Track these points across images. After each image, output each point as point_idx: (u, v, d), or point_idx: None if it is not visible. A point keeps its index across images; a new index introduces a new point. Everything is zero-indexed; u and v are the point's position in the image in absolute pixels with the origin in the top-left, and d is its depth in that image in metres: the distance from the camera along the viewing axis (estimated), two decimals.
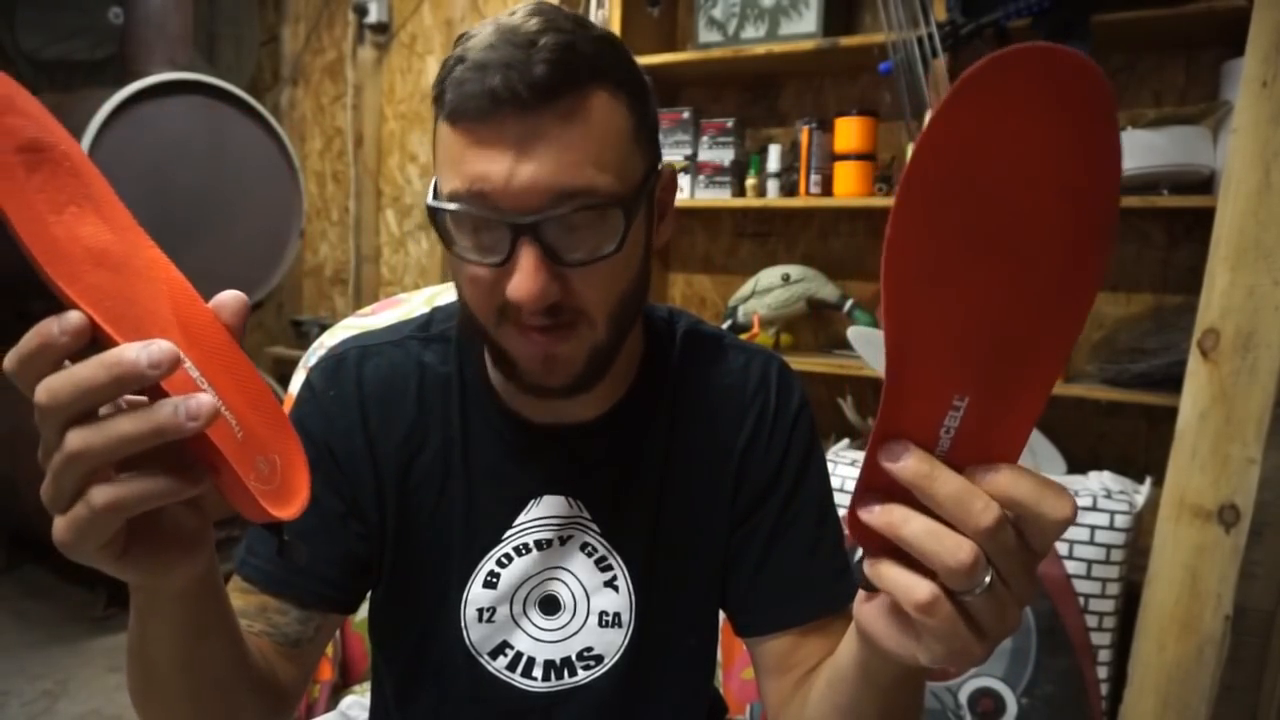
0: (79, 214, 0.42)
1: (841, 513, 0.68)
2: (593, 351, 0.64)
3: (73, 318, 0.39)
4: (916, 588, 0.41)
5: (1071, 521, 0.41)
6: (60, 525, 0.40)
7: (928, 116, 0.31)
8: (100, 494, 0.39)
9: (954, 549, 0.40)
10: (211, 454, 0.41)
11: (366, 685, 1.12)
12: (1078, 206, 0.36)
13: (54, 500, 0.40)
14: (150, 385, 0.39)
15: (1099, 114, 0.34)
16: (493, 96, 0.57)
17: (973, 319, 0.39)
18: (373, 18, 3.22)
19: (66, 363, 0.40)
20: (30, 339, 0.39)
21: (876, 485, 0.42)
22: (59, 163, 0.43)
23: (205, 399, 0.39)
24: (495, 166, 0.58)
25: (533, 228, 0.58)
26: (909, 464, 0.40)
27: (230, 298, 0.45)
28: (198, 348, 0.43)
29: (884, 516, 0.42)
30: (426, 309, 0.84)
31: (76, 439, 0.39)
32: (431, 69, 3.20)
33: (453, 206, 0.60)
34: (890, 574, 0.43)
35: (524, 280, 0.58)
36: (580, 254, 0.60)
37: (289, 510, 0.44)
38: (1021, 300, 0.38)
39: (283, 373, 3.02)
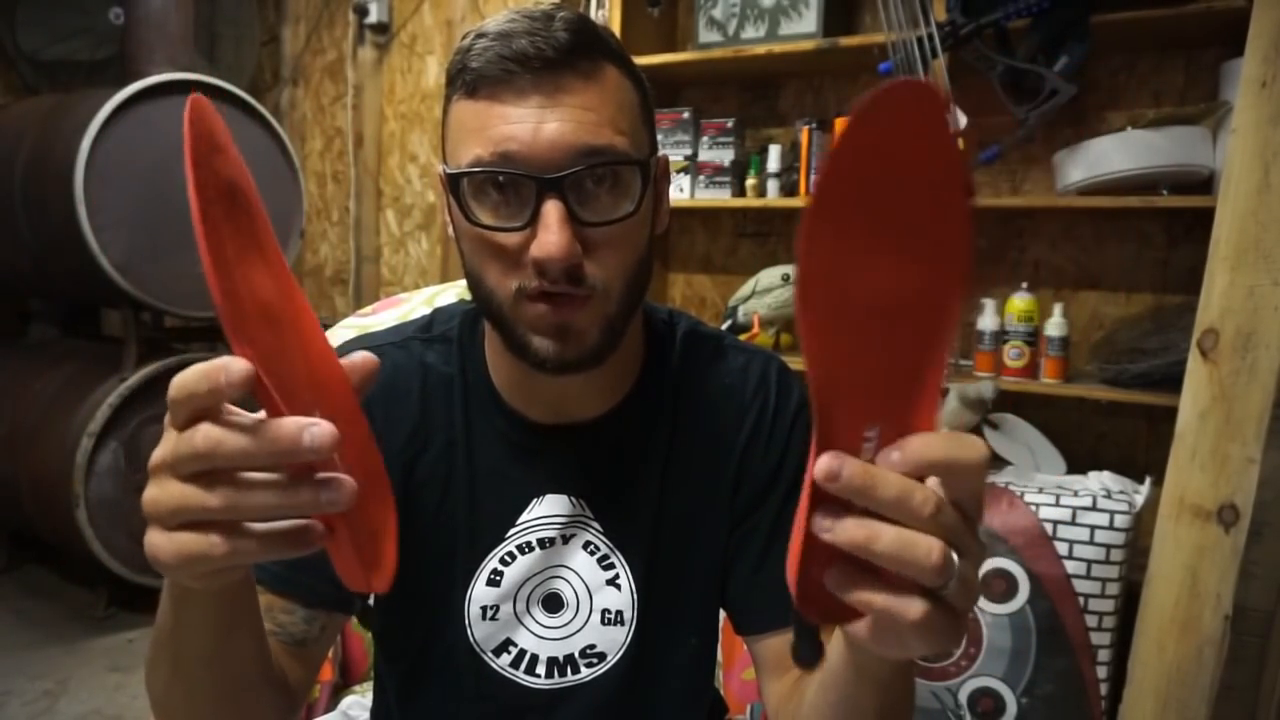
0: (253, 262, 0.42)
1: None
2: (606, 323, 0.64)
3: (240, 371, 0.39)
4: (909, 606, 0.40)
5: (986, 462, 0.41)
6: (166, 548, 0.40)
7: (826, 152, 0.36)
8: (224, 543, 0.40)
9: (928, 551, 0.39)
10: (333, 521, 0.42)
11: (367, 685, 1.13)
12: (943, 205, 0.39)
13: (166, 520, 0.40)
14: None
15: (946, 131, 0.39)
16: (519, 58, 0.60)
17: (872, 343, 0.40)
18: (373, 18, 3.22)
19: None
20: (199, 380, 0.39)
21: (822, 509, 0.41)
22: (243, 204, 0.42)
23: (348, 486, 0.40)
24: (521, 126, 0.60)
25: (557, 184, 0.60)
26: (848, 473, 0.39)
27: (362, 360, 0.44)
28: (326, 408, 0.43)
29: (851, 533, 0.39)
30: (427, 309, 0.84)
31: (223, 497, 0.39)
32: (432, 69, 3.21)
33: (476, 170, 0.61)
34: (875, 600, 0.41)
35: (550, 236, 0.59)
36: (600, 214, 0.62)
37: (380, 583, 0.44)
38: (910, 311, 0.40)
39: None
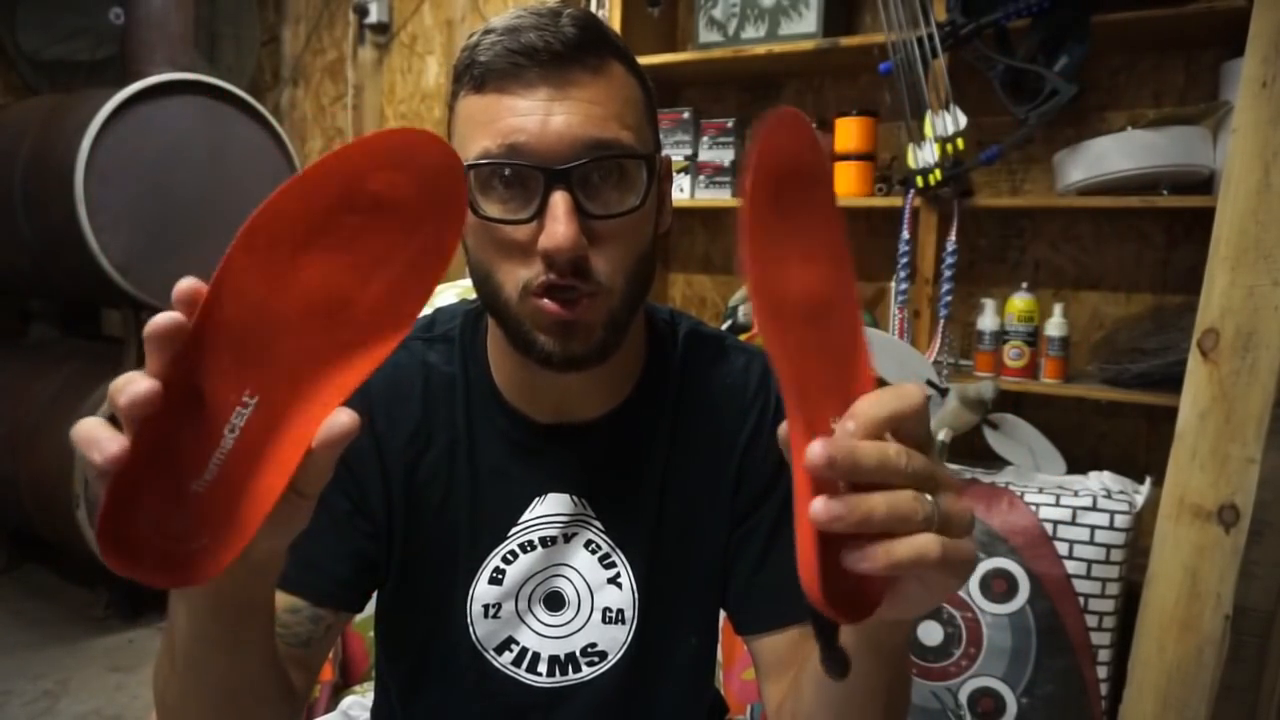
0: (361, 267, 0.43)
1: None
2: (610, 318, 0.65)
3: (183, 289, 0.41)
4: (928, 545, 0.40)
5: (925, 403, 0.42)
6: None
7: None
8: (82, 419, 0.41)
9: (909, 502, 0.40)
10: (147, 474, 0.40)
11: (367, 685, 1.13)
12: (823, 209, 0.46)
13: None
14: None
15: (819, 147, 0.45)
16: (527, 51, 0.60)
17: (813, 338, 0.42)
18: (373, 18, 3.22)
19: None
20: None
21: None
22: (391, 216, 0.43)
23: (113, 447, 0.39)
24: (529, 119, 0.61)
25: (565, 175, 0.60)
26: (838, 455, 0.39)
27: (347, 421, 0.42)
28: (285, 410, 0.42)
29: (851, 511, 0.39)
30: (427, 309, 0.84)
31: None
32: (432, 69, 3.21)
33: (484, 162, 0.61)
34: (899, 550, 0.40)
35: (558, 226, 0.60)
36: (606, 208, 0.62)
37: (156, 577, 0.40)
38: (831, 304, 0.43)
39: None
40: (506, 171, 0.61)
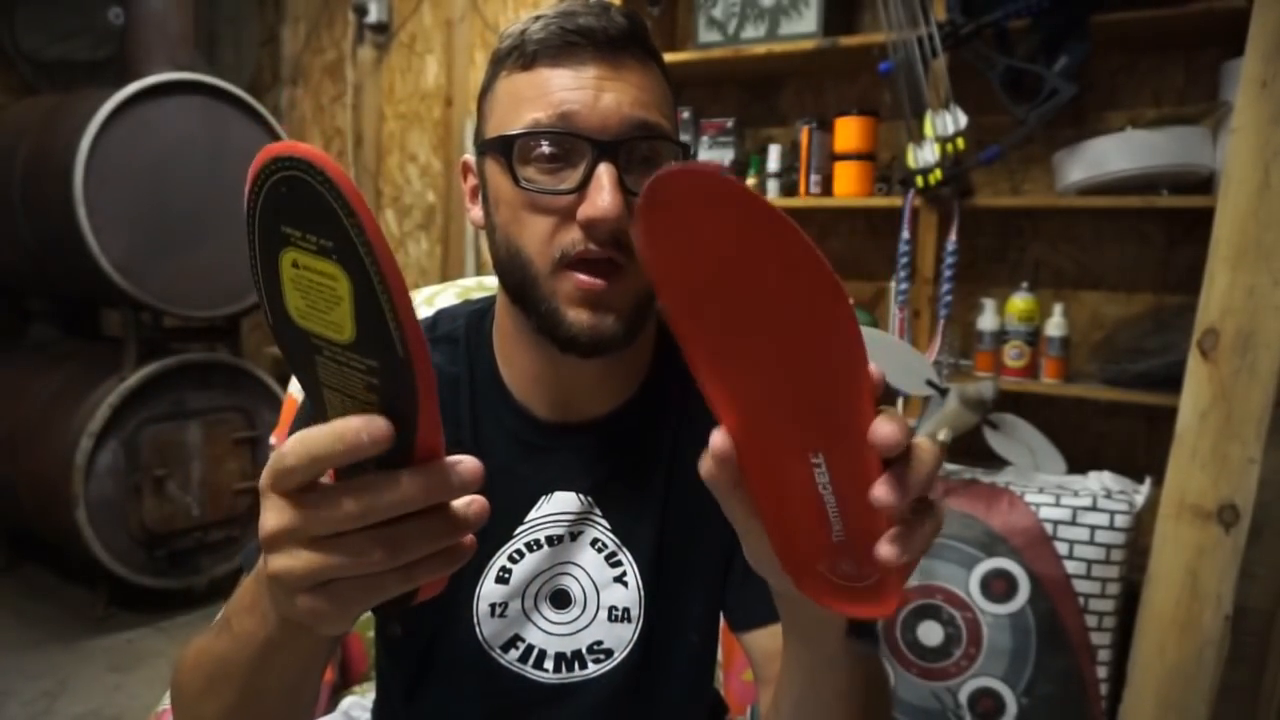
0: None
1: None
2: (636, 300, 0.66)
3: (383, 430, 0.39)
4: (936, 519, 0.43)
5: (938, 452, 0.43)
6: (326, 609, 0.42)
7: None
8: (396, 582, 0.42)
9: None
10: None
11: (367, 685, 1.12)
12: (789, 271, 0.41)
13: (307, 584, 0.42)
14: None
15: (748, 202, 0.39)
16: (583, 32, 0.64)
17: (780, 378, 0.43)
18: (372, 18, 3.22)
19: None
20: (332, 441, 0.39)
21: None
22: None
23: (480, 501, 0.44)
24: (581, 92, 0.63)
25: (613, 149, 0.63)
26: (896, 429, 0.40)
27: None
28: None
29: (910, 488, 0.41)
30: (427, 309, 0.84)
31: (387, 551, 0.41)
32: (431, 69, 3.21)
33: (534, 131, 0.63)
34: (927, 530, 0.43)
35: (604, 195, 0.61)
36: None
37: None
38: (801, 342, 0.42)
39: (282, 373, 3.02)
40: (552, 143, 0.63)
